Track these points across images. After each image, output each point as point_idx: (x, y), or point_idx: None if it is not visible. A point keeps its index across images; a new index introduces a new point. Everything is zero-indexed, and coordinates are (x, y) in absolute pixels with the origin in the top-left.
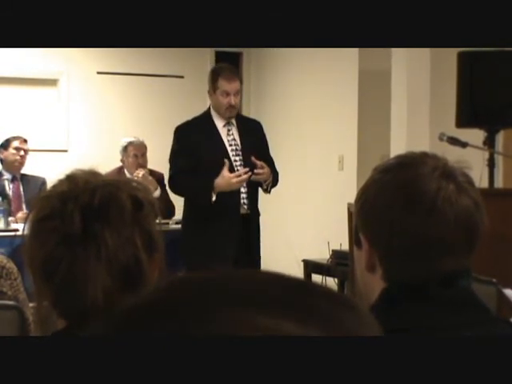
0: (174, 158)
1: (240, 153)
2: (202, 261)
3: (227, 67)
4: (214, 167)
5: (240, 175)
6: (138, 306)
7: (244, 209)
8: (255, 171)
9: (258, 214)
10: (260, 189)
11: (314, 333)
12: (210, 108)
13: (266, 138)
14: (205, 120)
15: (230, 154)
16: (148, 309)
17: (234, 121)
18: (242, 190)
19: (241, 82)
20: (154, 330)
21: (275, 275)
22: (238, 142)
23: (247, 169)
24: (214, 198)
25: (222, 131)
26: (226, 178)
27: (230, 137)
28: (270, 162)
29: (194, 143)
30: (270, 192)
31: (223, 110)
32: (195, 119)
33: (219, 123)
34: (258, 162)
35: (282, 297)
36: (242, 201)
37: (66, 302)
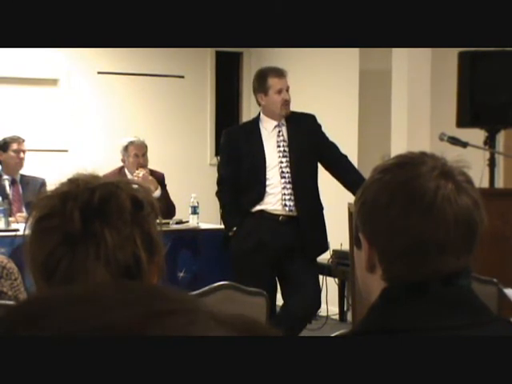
0: (220, 166)
1: (287, 154)
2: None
3: (273, 67)
4: (255, 175)
5: None
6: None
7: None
8: None
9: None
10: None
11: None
12: (259, 114)
13: (320, 129)
14: (252, 126)
15: (277, 155)
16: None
17: (284, 121)
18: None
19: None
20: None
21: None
22: (287, 142)
23: None
24: (230, 233)
25: (272, 134)
26: None
27: (279, 138)
28: (333, 150)
29: (238, 151)
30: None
31: (279, 107)
32: (244, 125)
33: (269, 126)
34: None
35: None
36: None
37: None
